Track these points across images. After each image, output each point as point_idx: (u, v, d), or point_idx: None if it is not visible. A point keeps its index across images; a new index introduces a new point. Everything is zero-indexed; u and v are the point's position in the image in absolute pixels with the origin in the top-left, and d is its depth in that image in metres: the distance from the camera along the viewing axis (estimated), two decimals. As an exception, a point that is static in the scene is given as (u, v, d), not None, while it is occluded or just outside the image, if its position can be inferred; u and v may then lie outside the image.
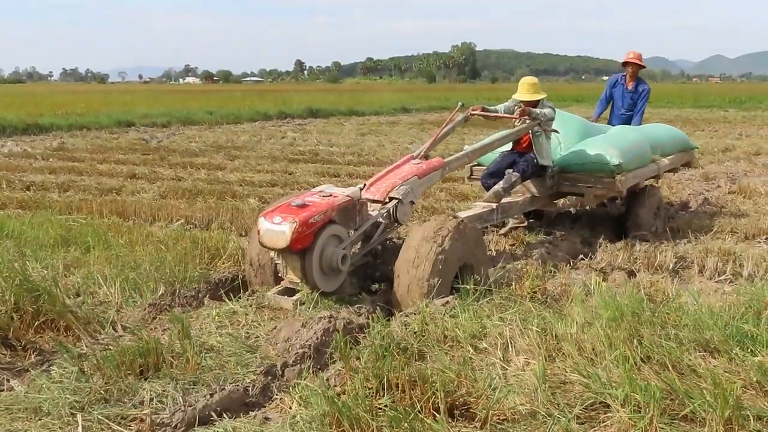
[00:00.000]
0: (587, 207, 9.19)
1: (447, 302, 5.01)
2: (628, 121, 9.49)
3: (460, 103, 7.11)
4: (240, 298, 5.36)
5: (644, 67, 9.75)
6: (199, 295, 5.45)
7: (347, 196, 5.37)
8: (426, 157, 6.31)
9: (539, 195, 7.57)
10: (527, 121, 7.13)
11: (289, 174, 12.91)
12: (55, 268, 5.94)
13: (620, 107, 9.66)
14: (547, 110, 7.21)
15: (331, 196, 5.32)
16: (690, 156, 9.63)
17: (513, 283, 5.49)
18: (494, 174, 7.37)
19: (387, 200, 5.67)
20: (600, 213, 9.12)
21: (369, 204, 5.71)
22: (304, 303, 4.99)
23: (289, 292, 5.20)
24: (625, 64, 9.65)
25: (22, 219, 7.83)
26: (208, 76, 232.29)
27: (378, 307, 4.98)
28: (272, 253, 5.21)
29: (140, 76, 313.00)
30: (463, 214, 6.40)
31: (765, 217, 8.54)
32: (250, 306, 5.21)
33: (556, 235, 7.83)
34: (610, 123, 9.59)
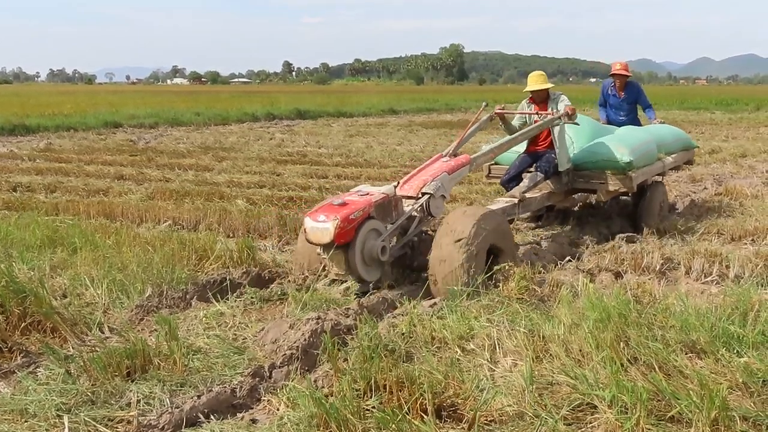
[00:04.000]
0: (574, 208, 9.25)
1: (434, 303, 5.03)
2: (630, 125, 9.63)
3: (484, 104, 7.65)
4: (228, 299, 5.36)
5: (630, 76, 9.92)
6: (187, 296, 5.44)
7: (383, 193, 5.89)
8: (455, 155, 6.66)
9: (556, 191, 7.96)
10: (549, 116, 7.52)
11: (277, 175, 12.90)
12: (41, 269, 5.91)
13: (618, 113, 9.86)
14: (568, 102, 7.60)
15: (368, 194, 5.83)
16: (691, 154, 10.07)
17: (500, 284, 5.51)
18: (514, 177, 7.77)
19: (420, 195, 6.06)
20: (587, 214, 9.14)
21: (404, 200, 6.15)
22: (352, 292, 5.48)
23: (336, 283, 5.67)
24: (612, 76, 9.80)
25: (8, 220, 7.79)
26: (195, 77, 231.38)
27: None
28: (318, 249, 5.60)
29: (128, 77, 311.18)
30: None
31: (751, 218, 8.57)
32: (238, 307, 5.21)
33: (544, 236, 7.87)
34: None
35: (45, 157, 15.68)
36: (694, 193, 11.14)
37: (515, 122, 7.94)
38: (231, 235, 8.04)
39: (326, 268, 5.74)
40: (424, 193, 6.06)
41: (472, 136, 7.32)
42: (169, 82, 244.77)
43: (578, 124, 7.79)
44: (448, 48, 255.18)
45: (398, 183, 6.22)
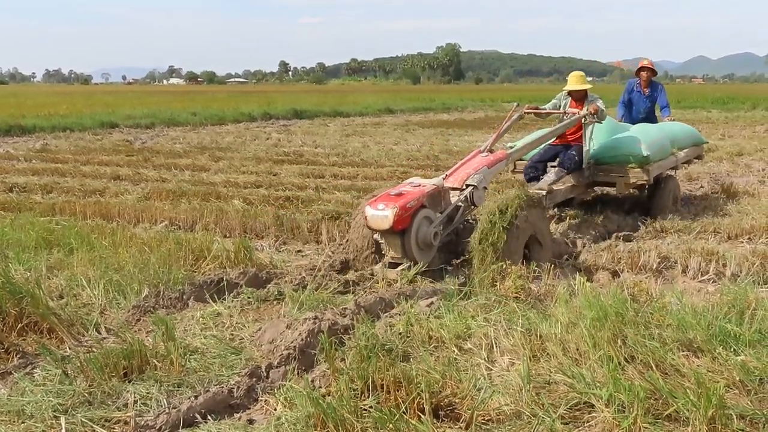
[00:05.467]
0: (573, 206, 9.29)
1: (432, 303, 5.03)
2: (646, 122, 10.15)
3: (515, 104, 8.54)
4: (225, 299, 5.35)
5: (656, 72, 10.68)
6: (184, 296, 5.43)
7: (434, 185, 6.42)
8: (491, 150, 7.23)
9: (578, 184, 8.48)
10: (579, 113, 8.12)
11: (274, 175, 12.87)
12: (38, 270, 5.91)
13: (640, 111, 10.48)
14: (600, 103, 8.15)
15: (420, 185, 6.35)
16: (701, 150, 10.74)
17: (497, 284, 5.51)
18: (537, 165, 8.36)
19: (464, 187, 6.60)
20: (584, 213, 9.16)
21: (450, 191, 6.65)
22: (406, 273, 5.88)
23: (393, 266, 6.10)
24: (639, 71, 10.55)
25: (4, 221, 7.78)
26: (192, 77, 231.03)
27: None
28: (376, 235, 6.17)
29: (124, 77, 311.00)
30: None
31: (748, 217, 8.57)
32: (235, 308, 5.21)
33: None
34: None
35: (41, 157, 15.65)
36: (691, 191, 11.14)
37: (547, 105, 8.62)
38: (228, 235, 8.03)
39: (383, 252, 6.23)
40: (468, 185, 6.58)
41: (506, 132, 7.90)
42: (165, 82, 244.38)
43: (601, 122, 8.31)
44: (445, 47, 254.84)
45: (445, 175, 6.75)
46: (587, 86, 8.34)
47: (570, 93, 8.40)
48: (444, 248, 6.50)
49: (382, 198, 6.02)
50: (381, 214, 5.84)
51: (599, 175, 8.63)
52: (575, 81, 8.32)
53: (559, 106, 8.47)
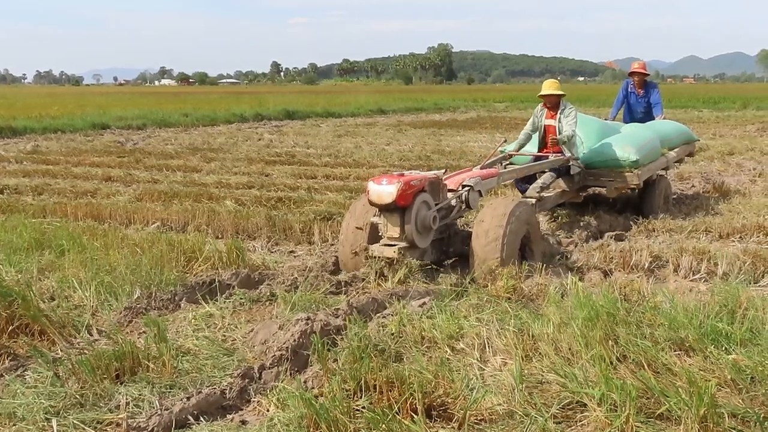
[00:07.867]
0: (565, 207, 9.32)
1: (424, 303, 5.03)
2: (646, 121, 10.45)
3: (504, 139, 9.00)
4: (217, 300, 5.34)
5: (648, 74, 11.00)
6: (176, 298, 5.42)
7: (434, 174, 6.53)
8: None
9: (568, 189, 8.57)
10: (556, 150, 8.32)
11: (266, 176, 12.86)
12: (29, 272, 5.89)
13: (638, 112, 10.79)
14: (566, 129, 8.18)
15: (420, 174, 6.38)
16: (693, 147, 11.00)
17: (489, 284, 5.52)
18: (529, 178, 8.27)
19: (460, 188, 6.69)
20: (576, 213, 9.18)
21: (447, 189, 6.70)
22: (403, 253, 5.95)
23: (390, 245, 6.07)
24: (631, 74, 10.85)
25: (-5, 223, 7.75)
26: (183, 78, 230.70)
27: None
28: (373, 217, 6.20)
29: (115, 79, 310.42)
30: None
31: (739, 216, 8.60)
32: (227, 309, 5.20)
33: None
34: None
35: (32, 159, 15.59)
36: (682, 191, 11.18)
37: (528, 127, 8.58)
38: (220, 236, 8.02)
39: (380, 234, 6.18)
40: (464, 186, 6.70)
41: (489, 165, 7.88)
42: (156, 83, 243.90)
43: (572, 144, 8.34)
44: (437, 48, 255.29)
45: (445, 170, 6.91)
46: (560, 92, 8.36)
47: (544, 100, 8.44)
48: (436, 245, 6.52)
49: (386, 176, 6.06)
50: (385, 188, 5.86)
51: (589, 179, 8.71)
52: (549, 86, 8.42)
53: (537, 123, 8.48)
